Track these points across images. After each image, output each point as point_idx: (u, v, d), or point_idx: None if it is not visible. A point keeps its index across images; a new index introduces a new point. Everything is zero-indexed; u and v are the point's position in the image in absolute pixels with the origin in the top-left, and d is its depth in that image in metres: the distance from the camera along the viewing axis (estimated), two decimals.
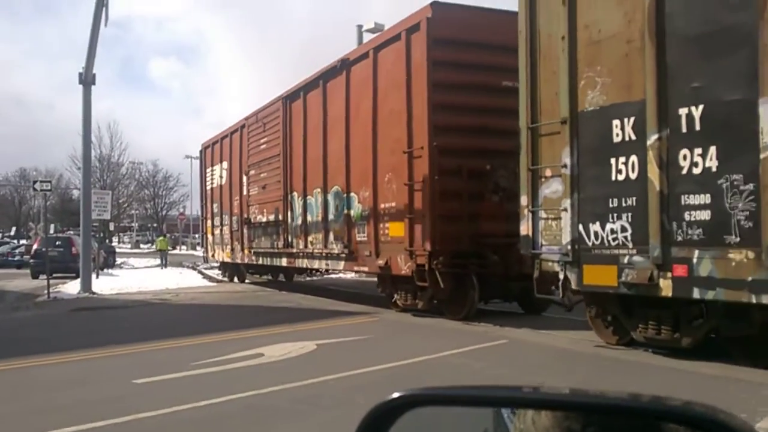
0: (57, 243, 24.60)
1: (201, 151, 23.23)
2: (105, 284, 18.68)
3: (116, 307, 14.08)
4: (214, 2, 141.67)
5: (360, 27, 18.14)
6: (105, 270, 25.20)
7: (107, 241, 43.75)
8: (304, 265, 14.28)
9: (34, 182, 19.46)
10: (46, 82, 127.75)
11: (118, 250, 45.31)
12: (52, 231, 44.55)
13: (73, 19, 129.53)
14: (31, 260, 25.04)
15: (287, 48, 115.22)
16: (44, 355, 7.99)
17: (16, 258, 33.65)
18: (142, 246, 63.33)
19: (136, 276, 23.02)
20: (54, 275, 18.36)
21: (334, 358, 7.44)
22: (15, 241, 48.05)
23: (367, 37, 16.18)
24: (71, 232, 38.47)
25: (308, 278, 20.15)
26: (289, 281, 19.34)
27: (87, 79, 16.75)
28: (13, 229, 69.37)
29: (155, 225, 69.18)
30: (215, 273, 23.09)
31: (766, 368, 5.83)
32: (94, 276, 18.68)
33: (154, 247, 49.21)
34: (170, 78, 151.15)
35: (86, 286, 16.88)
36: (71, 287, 18.08)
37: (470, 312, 9.50)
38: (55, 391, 6.22)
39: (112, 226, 48.08)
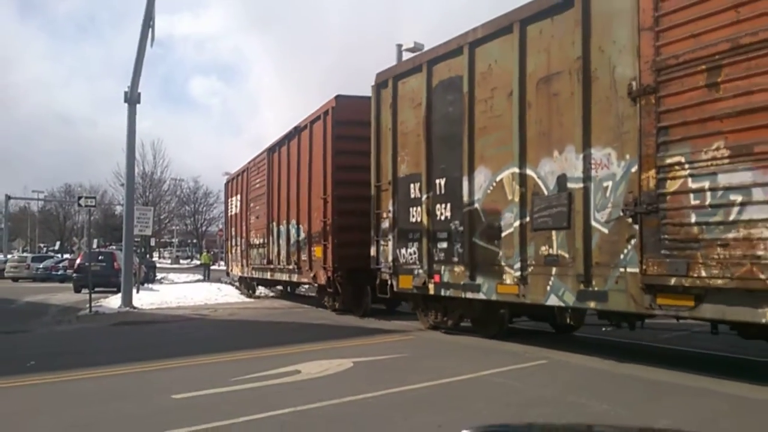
0: (100, 258, 27.57)
1: (225, 184, 30.35)
2: (145, 299, 20.47)
3: (156, 322, 15.48)
4: (254, 22, 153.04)
5: (400, 46, 20.41)
6: (145, 285, 27.75)
7: (148, 256, 49.38)
8: (277, 277, 20.11)
9: (79, 198, 21.61)
10: (89, 99, 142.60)
11: (158, 265, 50.32)
12: (95, 246, 51.55)
13: (115, 38, 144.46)
14: (74, 274, 27.96)
15: (326, 67, 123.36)
16: (85, 368, 8.86)
17: (60, 272, 38.42)
18: (181, 261, 71.14)
19: (175, 291, 24.91)
20: (96, 289, 20.26)
21: (372, 375, 8.18)
22: (59, 255, 54.41)
23: (407, 56, 19.33)
24: (113, 247, 43.05)
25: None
26: (293, 292, 25.15)
27: (132, 98, 18.49)
28: (58, 243, 78.91)
29: (195, 241, 77.38)
30: (259, 292, 26.11)
31: (491, 338, 10.90)
32: (134, 291, 20.44)
33: (198, 260, 56.27)
34: (210, 96, 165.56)
35: (127, 300, 18.40)
36: (113, 301, 19.88)
37: (366, 311, 14.91)
38: (96, 405, 6.89)
39: (153, 242, 55.34)
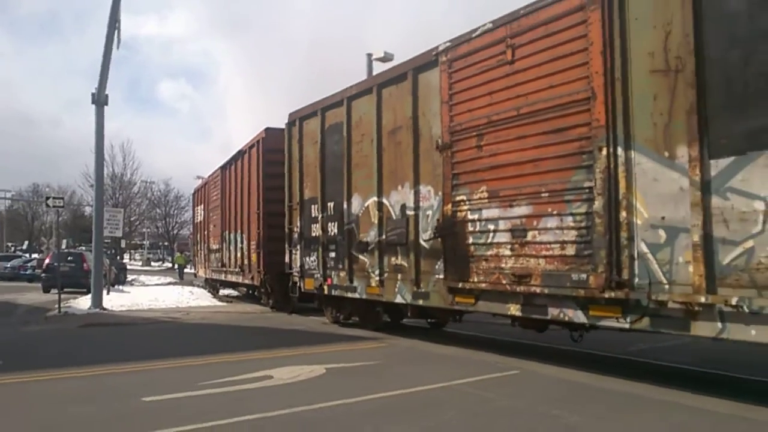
0: (69, 258, 28.82)
1: (192, 194, 35.31)
2: (116, 300, 21.42)
3: (126, 324, 16.07)
4: (220, 26, 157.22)
5: (370, 56, 22.37)
6: (116, 286, 29.57)
7: (119, 257, 52.91)
8: (229, 279, 24.05)
9: (47, 198, 22.08)
10: (53, 99, 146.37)
11: (129, 267, 53.84)
12: (64, 246, 54.08)
13: (78, 38, 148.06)
14: (43, 274, 29.51)
15: (294, 68, 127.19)
16: (53, 369, 9.10)
17: (28, 272, 40.77)
18: (153, 264, 75.00)
19: (146, 293, 26.25)
20: (65, 290, 21.02)
21: (344, 382, 8.57)
22: (27, 255, 57.74)
23: (377, 65, 21.37)
24: (83, 248, 46.16)
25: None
26: (254, 294, 28.85)
27: (100, 99, 19.67)
28: (26, 243, 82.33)
29: (166, 243, 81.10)
30: (226, 293, 28.68)
31: (374, 330, 14.64)
32: (105, 292, 21.47)
33: (170, 263, 59.82)
34: (180, 99, 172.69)
35: (97, 301, 19.40)
36: (82, 302, 20.72)
37: (293, 309, 18.57)
38: (64, 406, 7.06)
39: (123, 244, 58.77)
